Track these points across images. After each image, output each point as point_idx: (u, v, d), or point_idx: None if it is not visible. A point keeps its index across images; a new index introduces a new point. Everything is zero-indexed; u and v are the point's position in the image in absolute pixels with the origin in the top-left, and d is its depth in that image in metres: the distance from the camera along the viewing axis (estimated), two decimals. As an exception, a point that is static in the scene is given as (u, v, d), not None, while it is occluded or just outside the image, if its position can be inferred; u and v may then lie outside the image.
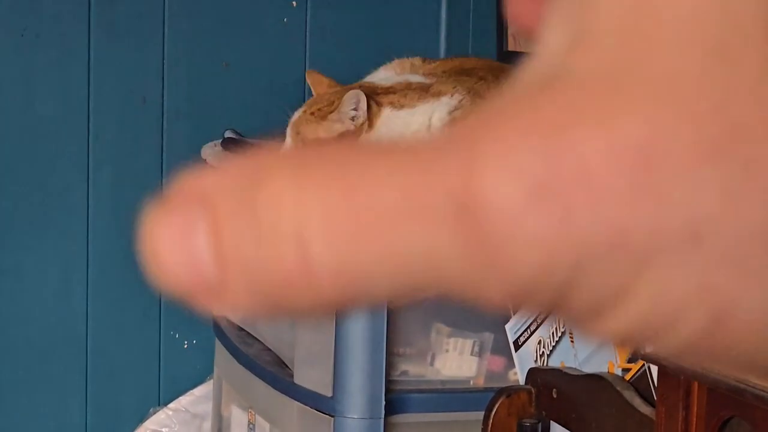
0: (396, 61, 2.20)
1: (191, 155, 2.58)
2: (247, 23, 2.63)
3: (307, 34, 2.69)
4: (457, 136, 0.21)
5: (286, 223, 0.21)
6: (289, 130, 1.99)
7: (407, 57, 2.24)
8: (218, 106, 2.62)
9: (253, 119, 2.61)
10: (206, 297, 0.21)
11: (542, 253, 0.20)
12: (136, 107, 2.57)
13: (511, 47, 2.42)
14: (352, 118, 1.93)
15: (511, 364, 1.78)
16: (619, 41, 0.21)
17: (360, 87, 2.00)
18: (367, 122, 1.94)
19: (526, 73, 0.22)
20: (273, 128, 2.67)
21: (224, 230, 0.21)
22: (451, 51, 2.72)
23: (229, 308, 0.21)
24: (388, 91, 1.97)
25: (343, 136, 1.94)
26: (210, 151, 2.25)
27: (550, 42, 0.22)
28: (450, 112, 1.97)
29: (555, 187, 0.20)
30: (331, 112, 1.93)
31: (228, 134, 2.37)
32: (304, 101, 2.69)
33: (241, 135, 2.40)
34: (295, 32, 2.68)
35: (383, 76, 2.14)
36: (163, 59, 2.58)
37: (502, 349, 1.79)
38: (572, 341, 1.57)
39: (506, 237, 0.20)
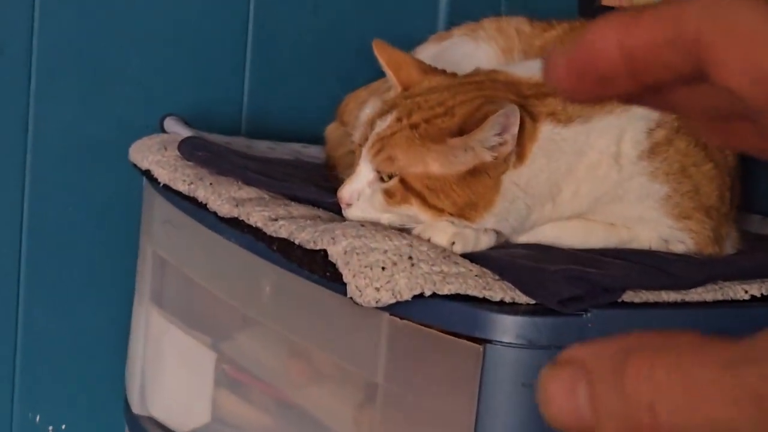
0: (492, 25, 1.45)
1: (70, 135, 1.75)
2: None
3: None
4: (755, 346, 0.31)
5: (643, 395, 0.31)
6: (367, 151, 1.22)
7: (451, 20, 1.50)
8: (116, 64, 1.78)
9: (172, 89, 1.80)
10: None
11: None
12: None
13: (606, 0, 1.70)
14: (493, 147, 1.18)
15: None
16: None
17: (492, 82, 1.24)
18: (515, 152, 1.20)
19: None
20: (214, 110, 1.90)
21: (598, 390, 0.32)
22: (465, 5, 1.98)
23: None
24: (541, 92, 1.22)
25: (474, 172, 1.19)
26: (156, 157, 1.44)
27: None
28: (649, 132, 1.24)
29: None
30: (454, 132, 1.18)
31: (171, 125, 1.56)
32: (244, 64, 1.92)
33: (187, 123, 1.60)
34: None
35: (486, 55, 1.40)
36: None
37: None
38: None
39: None
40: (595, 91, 0.35)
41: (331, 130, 1.57)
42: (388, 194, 1.20)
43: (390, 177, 1.20)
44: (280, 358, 1.37)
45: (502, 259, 1.15)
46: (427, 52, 1.48)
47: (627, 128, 1.22)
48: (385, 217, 1.21)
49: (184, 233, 1.46)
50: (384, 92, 1.50)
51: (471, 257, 1.17)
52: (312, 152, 1.65)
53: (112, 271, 1.78)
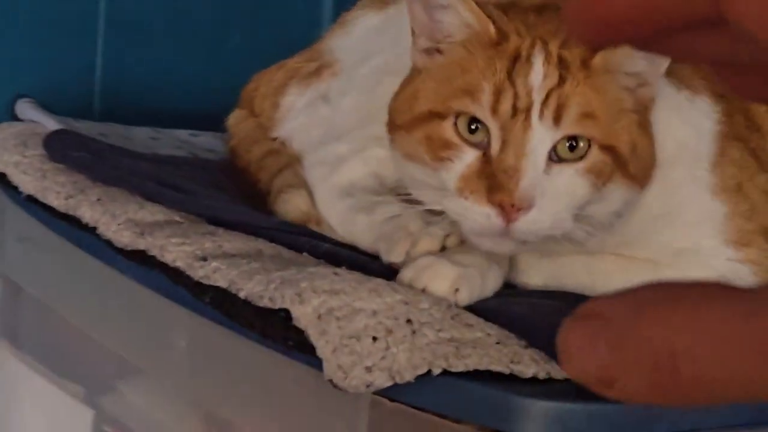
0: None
1: None
2: None
3: None
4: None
5: (665, 344, 0.30)
6: (538, 115, 0.89)
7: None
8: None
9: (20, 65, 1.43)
10: (601, 387, 0.30)
11: None
12: None
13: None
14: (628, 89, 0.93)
15: None
16: None
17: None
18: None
19: None
20: (58, 83, 1.52)
21: (619, 341, 0.30)
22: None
23: (619, 397, 0.30)
24: None
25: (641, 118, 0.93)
26: (14, 158, 1.08)
27: None
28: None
29: None
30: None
31: (26, 111, 1.20)
32: (96, 24, 1.54)
33: (47, 108, 1.25)
34: None
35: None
36: None
37: None
38: None
39: None
40: (609, 37, 0.32)
41: (238, 121, 1.22)
42: (597, 173, 0.89)
43: (571, 148, 0.89)
44: (188, 425, 1.04)
45: (527, 316, 0.85)
46: (365, 24, 1.15)
47: (705, 115, 0.99)
48: (567, 225, 0.89)
49: (52, 258, 1.10)
50: (310, 75, 1.17)
51: (485, 312, 0.86)
52: (204, 143, 1.31)
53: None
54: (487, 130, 0.89)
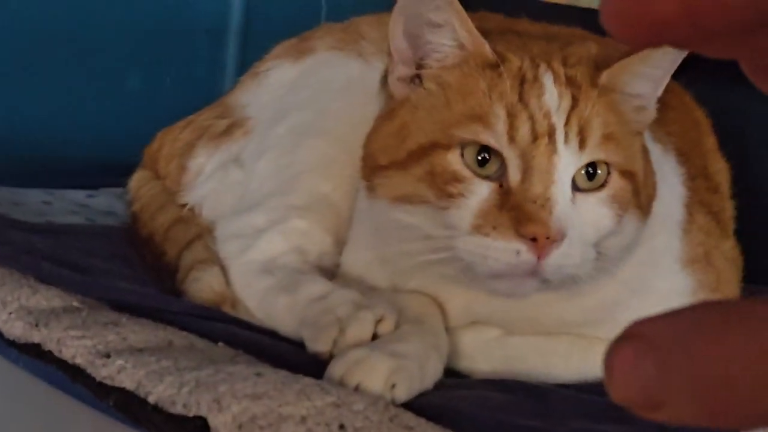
0: (374, 31, 1.07)
1: None
2: None
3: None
4: None
5: (718, 368, 0.27)
6: (563, 139, 0.81)
7: None
8: None
9: None
10: (647, 410, 0.28)
11: None
12: None
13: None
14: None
15: None
16: None
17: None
18: None
19: None
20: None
21: (667, 364, 0.28)
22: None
23: (665, 421, 0.28)
24: None
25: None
26: None
27: None
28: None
29: None
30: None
31: None
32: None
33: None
34: None
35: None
36: None
37: None
38: None
39: None
40: (651, 38, 0.30)
41: (141, 183, 1.11)
42: (619, 202, 0.81)
43: (589, 176, 0.82)
44: None
45: (474, 413, 0.76)
46: (280, 77, 1.06)
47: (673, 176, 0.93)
48: (591, 264, 0.81)
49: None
50: (220, 135, 1.07)
51: (427, 409, 0.77)
52: (103, 204, 1.20)
53: None
54: (501, 159, 0.80)
